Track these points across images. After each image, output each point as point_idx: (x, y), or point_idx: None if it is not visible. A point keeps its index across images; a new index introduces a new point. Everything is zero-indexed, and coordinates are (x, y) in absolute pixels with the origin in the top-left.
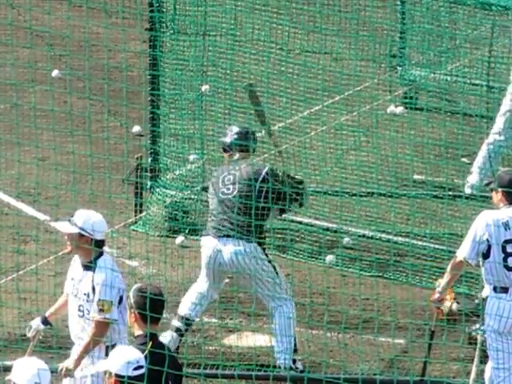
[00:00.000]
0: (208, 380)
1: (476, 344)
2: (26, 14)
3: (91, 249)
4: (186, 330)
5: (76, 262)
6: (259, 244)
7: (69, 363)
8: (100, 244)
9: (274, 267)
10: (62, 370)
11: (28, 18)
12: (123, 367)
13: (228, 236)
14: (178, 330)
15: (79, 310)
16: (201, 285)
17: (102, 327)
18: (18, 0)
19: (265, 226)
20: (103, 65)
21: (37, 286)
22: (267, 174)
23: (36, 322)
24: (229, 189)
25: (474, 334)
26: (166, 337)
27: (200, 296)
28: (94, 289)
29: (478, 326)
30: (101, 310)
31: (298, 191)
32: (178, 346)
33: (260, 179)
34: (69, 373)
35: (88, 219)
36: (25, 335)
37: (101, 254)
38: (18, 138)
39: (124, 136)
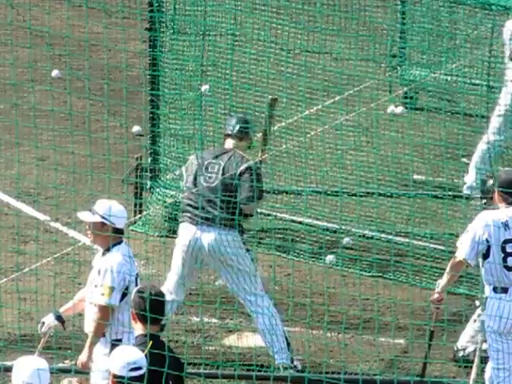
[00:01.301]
0: (208, 380)
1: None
2: (25, 13)
3: (110, 237)
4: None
5: (99, 252)
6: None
7: (81, 356)
8: (120, 232)
9: (252, 259)
10: (78, 366)
11: (28, 18)
12: (120, 368)
13: (208, 224)
14: None
15: (90, 297)
16: (173, 279)
17: (102, 312)
18: (17, 0)
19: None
20: (103, 65)
21: (36, 286)
22: (249, 168)
23: (49, 319)
24: (211, 177)
25: (461, 354)
26: None
27: (174, 290)
28: (99, 272)
29: (466, 347)
30: (101, 294)
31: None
32: None
33: (242, 171)
34: (85, 365)
35: (109, 208)
36: (25, 335)
37: (119, 242)
38: (17, 138)
39: (124, 136)
